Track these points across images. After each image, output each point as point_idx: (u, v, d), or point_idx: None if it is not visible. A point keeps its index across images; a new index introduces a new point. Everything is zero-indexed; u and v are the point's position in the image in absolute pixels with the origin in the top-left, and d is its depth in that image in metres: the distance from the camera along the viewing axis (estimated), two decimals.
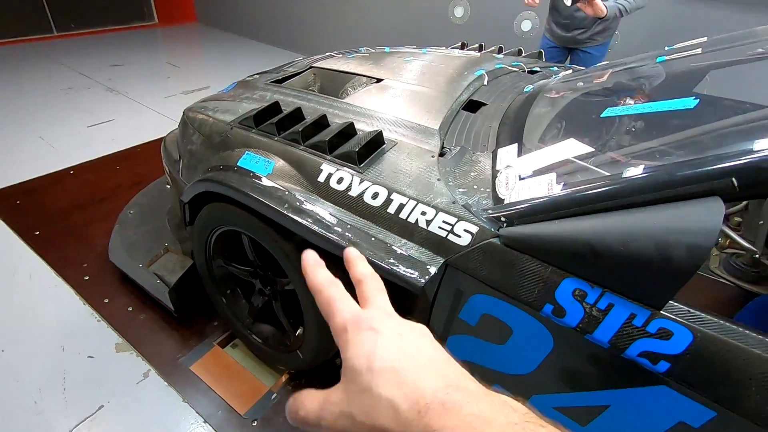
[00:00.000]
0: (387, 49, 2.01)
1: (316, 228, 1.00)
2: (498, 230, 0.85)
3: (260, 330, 1.48)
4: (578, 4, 2.10)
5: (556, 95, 1.30)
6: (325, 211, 1.04)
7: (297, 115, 1.24)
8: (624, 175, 0.75)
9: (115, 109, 3.34)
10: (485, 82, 1.49)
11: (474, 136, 1.18)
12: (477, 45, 2.24)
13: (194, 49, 5.38)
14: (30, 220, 2.08)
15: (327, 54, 1.98)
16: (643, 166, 0.76)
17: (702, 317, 0.69)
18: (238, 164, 1.22)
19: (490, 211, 0.88)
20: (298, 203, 1.06)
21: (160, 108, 3.39)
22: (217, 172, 1.26)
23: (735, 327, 0.67)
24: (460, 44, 2.25)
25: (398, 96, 1.38)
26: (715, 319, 0.68)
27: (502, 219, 0.85)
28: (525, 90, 1.44)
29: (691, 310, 0.70)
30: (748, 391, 0.66)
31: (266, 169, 1.16)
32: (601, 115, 0.99)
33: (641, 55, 1.43)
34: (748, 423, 0.66)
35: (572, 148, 0.93)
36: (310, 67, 1.76)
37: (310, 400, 0.31)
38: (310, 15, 4.93)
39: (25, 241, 1.95)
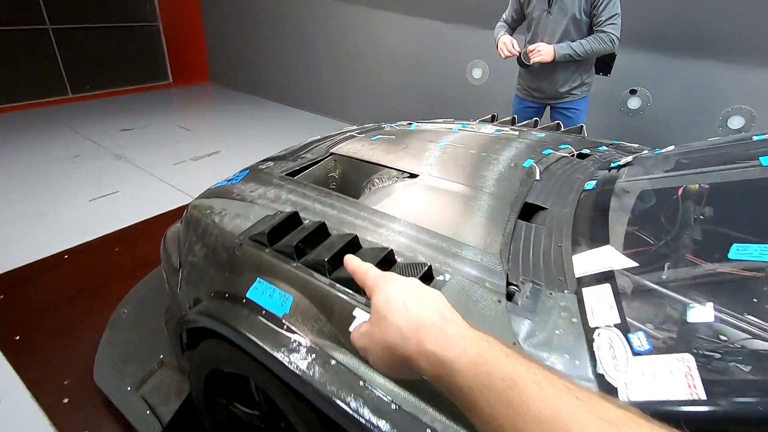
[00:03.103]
0: (414, 127, 1.84)
1: (352, 412, 0.74)
2: None
3: None
4: (531, 59, 2.12)
5: (638, 198, 1.07)
6: (360, 378, 0.79)
7: (321, 231, 1.02)
8: None
9: (121, 179, 3.20)
10: (537, 176, 1.27)
11: (544, 261, 0.93)
12: (489, 116, 2.08)
13: (206, 110, 5.38)
14: (11, 319, 1.84)
15: (347, 133, 1.80)
16: None
17: None
18: (247, 296, 0.98)
19: None
20: (324, 365, 0.81)
21: (167, 177, 3.25)
22: (222, 302, 1.02)
23: None
24: (490, 117, 2.08)
25: (438, 200, 1.16)
26: None
27: None
28: (587, 187, 1.22)
29: None
30: None
31: (282, 306, 0.92)
32: (729, 256, 0.74)
33: (729, 141, 1.21)
34: None
35: (707, 297, 0.68)
36: (331, 153, 1.57)
37: (354, 329, 0.46)
38: (324, 76, 4.93)
39: (1, 349, 1.70)
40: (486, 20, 3.00)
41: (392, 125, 1.90)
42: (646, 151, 1.49)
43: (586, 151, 1.55)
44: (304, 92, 5.23)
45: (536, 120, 1.99)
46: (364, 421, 0.74)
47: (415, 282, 0.45)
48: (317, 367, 0.81)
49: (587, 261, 0.90)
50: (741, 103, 2.55)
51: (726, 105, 2.60)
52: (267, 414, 1.10)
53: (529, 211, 1.13)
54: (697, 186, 1.04)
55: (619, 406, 0.32)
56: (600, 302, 0.78)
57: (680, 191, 1.06)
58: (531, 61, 2.13)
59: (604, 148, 1.64)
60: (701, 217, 1.00)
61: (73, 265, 2.22)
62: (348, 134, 1.79)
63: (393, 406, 0.75)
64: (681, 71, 2.72)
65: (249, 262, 1.04)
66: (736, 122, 2.58)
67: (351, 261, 0.51)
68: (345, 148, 1.59)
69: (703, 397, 0.57)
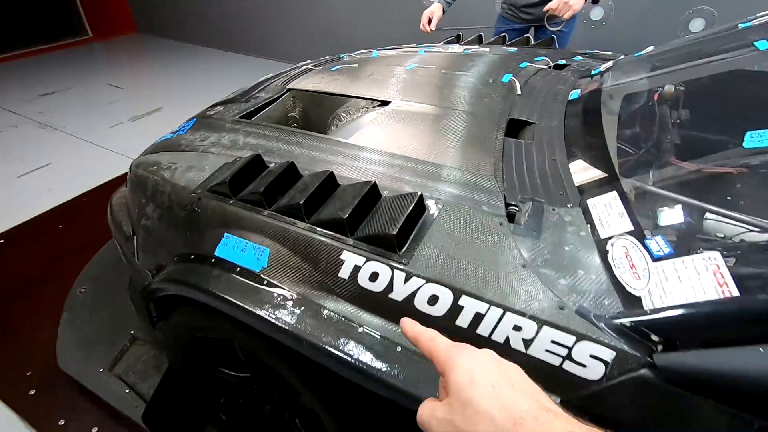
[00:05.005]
0: (375, 54, 1.66)
1: (353, 360, 0.67)
2: (650, 356, 0.54)
3: None
4: (562, 14, 1.80)
5: (627, 102, 0.99)
6: (358, 326, 0.71)
7: (290, 173, 0.89)
8: None
9: (51, 149, 2.83)
10: (519, 91, 1.17)
11: (540, 178, 0.86)
12: (454, 36, 1.92)
13: (137, 64, 4.81)
14: None
15: (303, 67, 1.61)
16: None
17: None
18: (216, 254, 0.86)
19: (627, 323, 0.57)
20: (316, 317, 0.73)
21: (104, 142, 2.91)
22: (189, 265, 0.90)
23: None
24: (454, 37, 1.92)
25: (417, 125, 1.05)
26: None
27: (655, 338, 0.55)
28: (571, 97, 1.13)
29: None
30: None
31: (259, 260, 0.81)
32: (745, 145, 0.69)
33: (712, 33, 1.14)
34: None
35: (727, 194, 0.63)
36: (288, 90, 1.40)
37: (423, 409, 0.38)
38: (264, 13, 4.45)
39: None
40: None
41: (351, 54, 1.71)
42: (622, 57, 1.41)
43: (562, 61, 1.45)
44: (245, 34, 4.74)
45: (504, 36, 1.85)
46: (366, 367, 0.67)
47: (494, 356, 0.39)
48: (308, 320, 0.73)
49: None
50: (701, 3, 2.49)
51: (687, 7, 2.53)
52: (258, 375, 1.03)
53: (515, 128, 1.04)
54: (672, 89, 0.98)
55: None
56: (608, 211, 0.72)
57: (663, 92, 1.00)
58: (566, 18, 1.80)
59: (579, 57, 1.54)
60: (688, 116, 0.95)
61: (12, 251, 1.98)
62: (303, 68, 1.60)
63: (398, 348, 0.68)
64: None
65: (212, 217, 0.91)
66: (697, 24, 2.54)
67: (410, 326, 0.43)
68: (303, 83, 1.41)
69: (737, 293, 0.53)
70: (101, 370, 1.31)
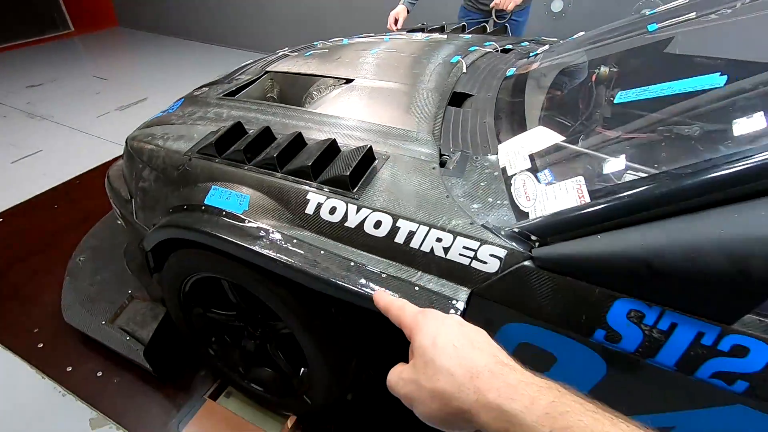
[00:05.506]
0: (345, 41, 1.84)
1: (315, 272, 0.86)
2: (530, 251, 0.74)
3: (258, 376, 1.32)
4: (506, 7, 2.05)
5: (547, 77, 1.20)
6: (320, 248, 0.90)
7: (266, 135, 1.07)
8: (672, 173, 0.66)
9: (41, 137, 2.95)
10: (464, 69, 1.36)
11: (471, 136, 1.05)
12: (419, 25, 2.11)
13: (121, 57, 4.89)
14: None
15: (280, 53, 1.78)
16: (688, 160, 0.67)
17: None
18: (205, 202, 1.04)
19: (515, 229, 0.77)
20: (287, 244, 0.91)
21: (93, 130, 3.03)
22: (182, 213, 1.07)
23: None
24: (419, 25, 2.11)
25: (375, 97, 1.23)
26: None
27: (533, 238, 0.75)
28: (508, 74, 1.33)
29: (765, 320, 0.62)
30: None
31: (241, 205, 0.99)
32: (616, 101, 0.89)
33: (623, 22, 1.35)
34: None
35: (594, 141, 0.83)
36: (266, 72, 1.57)
37: (392, 373, 0.40)
38: (244, 6, 4.57)
39: None
40: None
41: (324, 42, 1.88)
42: (559, 41, 1.62)
43: (509, 46, 1.65)
44: (224, 27, 4.85)
45: (464, 25, 2.04)
46: (326, 277, 0.85)
47: (459, 320, 0.41)
48: (281, 247, 0.91)
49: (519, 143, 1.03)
50: None
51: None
52: (244, 310, 1.21)
53: (459, 100, 1.24)
54: (582, 65, 1.18)
55: None
56: (515, 156, 0.92)
57: (577, 68, 1.20)
58: (509, 9, 2.06)
59: (526, 43, 1.75)
60: (591, 88, 1.16)
61: (10, 227, 2.12)
62: (281, 54, 1.77)
63: (351, 263, 0.87)
64: None
65: (201, 174, 1.09)
66: (646, 14, 2.77)
67: (382, 297, 0.45)
68: (280, 66, 1.59)
69: (588, 200, 0.73)
70: (103, 322, 1.47)
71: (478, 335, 0.39)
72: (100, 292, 1.59)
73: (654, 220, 0.64)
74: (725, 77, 0.77)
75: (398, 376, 0.39)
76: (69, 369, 1.47)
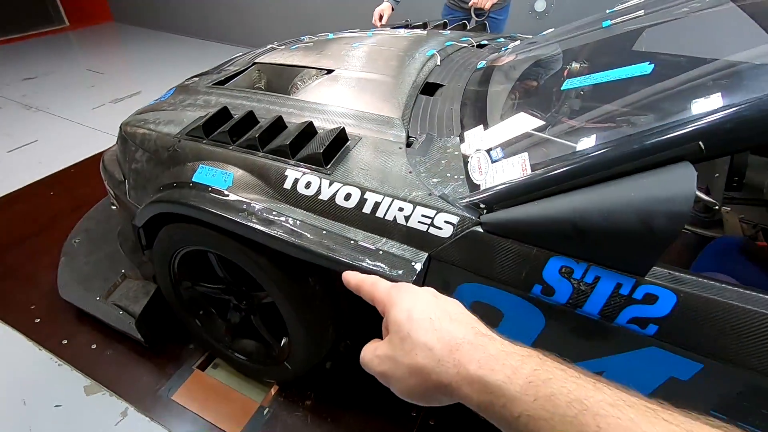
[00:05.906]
0: (331, 36, 1.93)
1: (291, 239, 0.95)
2: (479, 218, 0.84)
3: (242, 346, 1.42)
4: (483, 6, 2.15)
5: (512, 69, 1.30)
6: (297, 219, 0.99)
7: (250, 119, 1.16)
8: (595, 149, 0.76)
9: (37, 128, 3.02)
10: (438, 62, 1.46)
11: (438, 121, 1.15)
12: (403, 22, 2.20)
13: (116, 52, 4.95)
14: None
15: (269, 47, 1.87)
16: (611, 138, 0.77)
17: (682, 278, 0.72)
18: (193, 180, 1.13)
19: (467, 199, 0.87)
20: (266, 215, 1.00)
21: (88, 121, 3.10)
22: (171, 190, 1.16)
23: (712, 283, 0.70)
24: (403, 21, 2.21)
25: (352, 86, 1.33)
26: (695, 278, 0.71)
27: (482, 206, 0.85)
28: (478, 66, 1.43)
29: (672, 272, 0.72)
30: (729, 339, 0.70)
31: (225, 181, 1.09)
32: (562, 88, 0.99)
33: (587, 20, 1.45)
34: (732, 368, 0.71)
35: (534, 123, 0.93)
36: (254, 63, 1.66)
37: (365, 351, 0.38)
38: (238, 2, 4.65)
39: None
40: None
41: (311, 36, 1.97)
42: (530, 36, 1.72)
43: (484, 42, 1.75)
44: (217, 23, 4.93)
45: (445, 22, 2.14)
46: (300, 243, 0.94)
47: (433, 292, 0.40)
48: (261, 218, 1.00)
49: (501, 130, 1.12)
50: None
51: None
52: (229, 282, 1.30)
53: (432, 89, 1.33)
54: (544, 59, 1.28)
55: (714, 425, 0.27)
56: (474, 138, 1.02)
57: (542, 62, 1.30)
58: (486, 8, 2.16)
59: (501, 39, 1.85)
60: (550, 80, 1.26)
61: (8, 212, 2.19)
62: (269, 47, 1.86)
63: (323, 231, 0.96)
64: None
65: (189, 154, 1.18)
66: None
67: (353, 276, 0.43)
68: (267, 58, 1.68)
69: (530, 172, 0.83)
70: (98, 298, 1.56)
71: (455, 306, 0.38)
72: (94, 270, 1.67)
73: (579, 188, 0.75)
74: (652, 66, 0.87)
75: (372, 354, 0.37)
76: (64, 342, 1.55)
